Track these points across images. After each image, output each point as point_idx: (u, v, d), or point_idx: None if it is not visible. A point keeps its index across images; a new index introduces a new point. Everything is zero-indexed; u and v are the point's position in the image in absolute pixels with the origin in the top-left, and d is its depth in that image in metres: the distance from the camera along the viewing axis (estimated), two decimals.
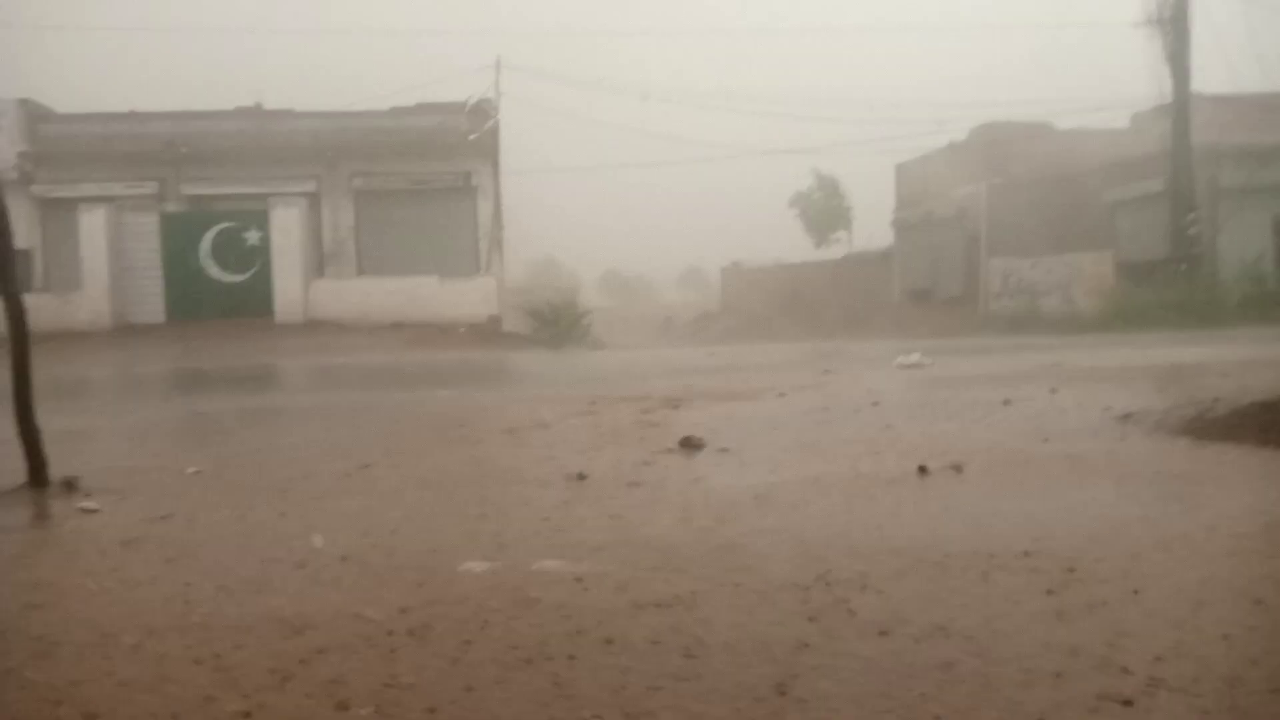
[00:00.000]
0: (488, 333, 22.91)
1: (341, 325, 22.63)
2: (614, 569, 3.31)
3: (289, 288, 23.66)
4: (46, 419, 5.33)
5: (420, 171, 25.45)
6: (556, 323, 24.90)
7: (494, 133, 25.90)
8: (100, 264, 23.10)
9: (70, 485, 5.09)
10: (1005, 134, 30.39)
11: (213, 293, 23.70)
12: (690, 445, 6.00)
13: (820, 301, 33.47)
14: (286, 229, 23.66)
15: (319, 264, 25.28)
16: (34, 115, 24.83)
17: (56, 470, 5.19)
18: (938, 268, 31.53)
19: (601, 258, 63.83)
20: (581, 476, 5.13)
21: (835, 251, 40.83)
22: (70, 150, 24.65)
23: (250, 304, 23.37)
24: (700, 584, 3.10)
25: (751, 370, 12.49)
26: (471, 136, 24.90)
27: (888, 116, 73.86)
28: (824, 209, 42.41)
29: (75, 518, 4.54)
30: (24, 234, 20.10)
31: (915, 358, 11.09)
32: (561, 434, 6.98)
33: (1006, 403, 7.12)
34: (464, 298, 23.73)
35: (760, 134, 57.21)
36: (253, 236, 23.81)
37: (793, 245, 41.09)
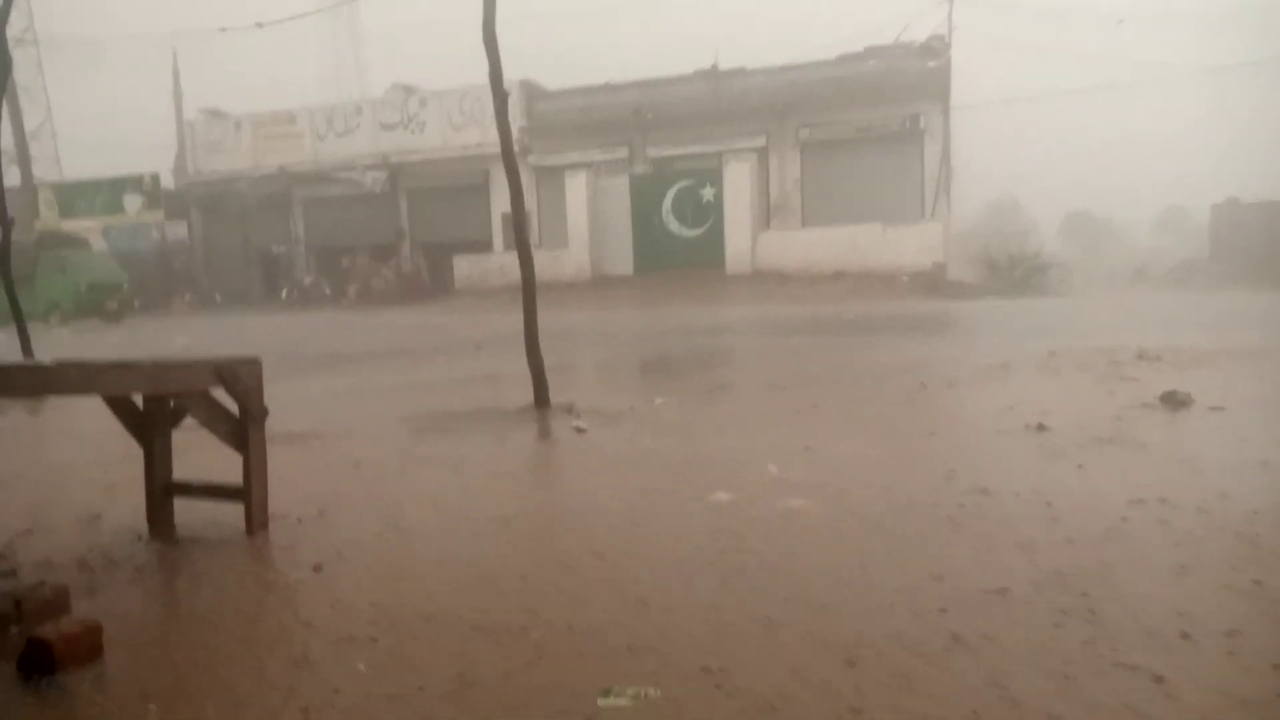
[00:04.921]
0: (932, 281, 22.10)
1: (785, 275, 23.34)
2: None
3: (738, 240, 24.92)
4: (546, 356, 6.29)
5: (866, 118, 25.14)
6: (1010, 271, 23.31)
7: (944, 71, 24.62)
8: (582, 223, 26.28)
9: (568, 409, 5.95)
10: None
11: (672, 246, 25.80)
12: (1174, 401, 5.31)
13: None
14: (737, 184, 24.89)
15: (766, 216, 26.25)
16: (531, 94, 28.63)
17: (555, 395, 6.13)
18: None
19: (1066, 197, 57.98)
20: (1041, 427, 4.80)
21: None
22: (557, 123, 28.17)
23: (704, 256, 25.08)
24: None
25: (1252, 323, 10.69)
26: (924, 68, 23.77)
27: None
28: None
29: (570, 434, 5.29)
30: (525, 199, 23.22)
31: None
32: (1017, 384, 6.57)
33: None
34: (907, 245, 23.10)
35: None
36: (707, 193, 25.43)
37: None
